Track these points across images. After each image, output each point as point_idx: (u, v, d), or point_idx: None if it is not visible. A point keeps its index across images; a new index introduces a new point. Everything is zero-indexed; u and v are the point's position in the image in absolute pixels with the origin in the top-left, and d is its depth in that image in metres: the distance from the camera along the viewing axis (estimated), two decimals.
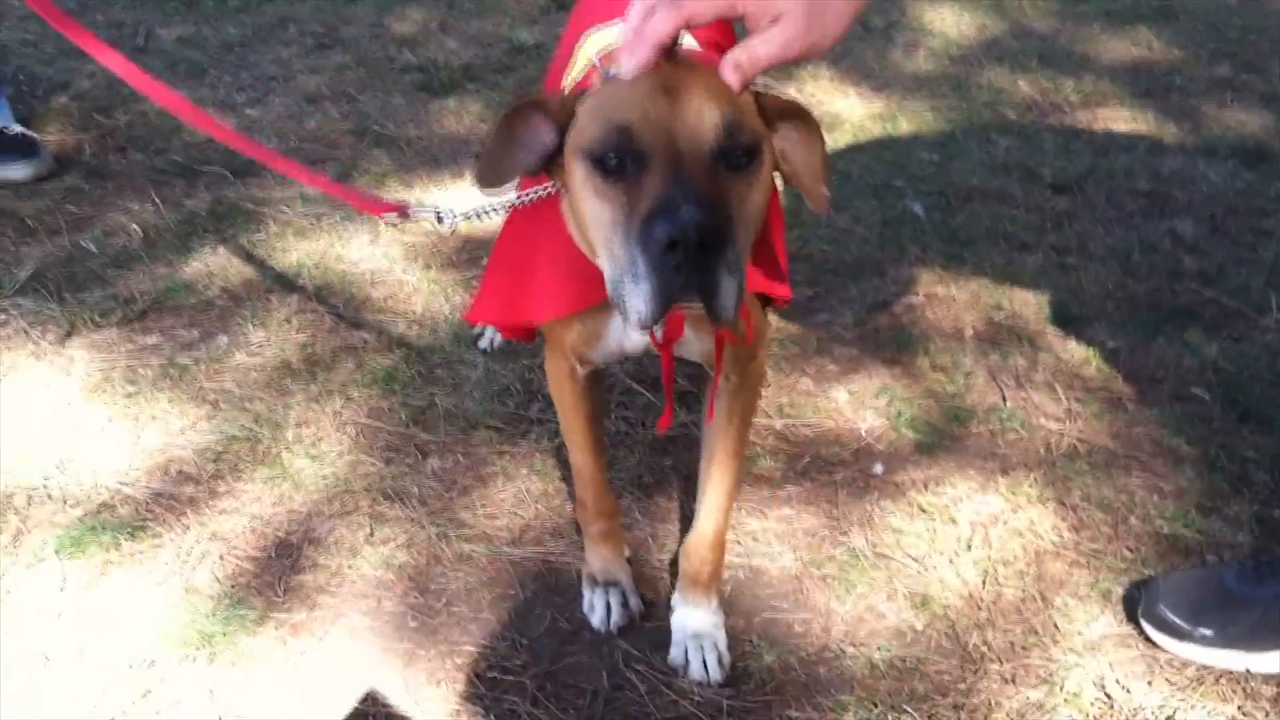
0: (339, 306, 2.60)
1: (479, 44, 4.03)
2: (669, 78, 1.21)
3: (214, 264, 2.74)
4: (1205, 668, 1.79)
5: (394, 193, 3.08)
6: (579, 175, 1.24)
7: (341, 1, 4.35)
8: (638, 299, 1.15)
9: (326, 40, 4.03)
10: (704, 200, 1.12)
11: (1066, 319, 2.59)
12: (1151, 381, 2.39)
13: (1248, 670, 1.77)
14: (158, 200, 2.99)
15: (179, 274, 2.71)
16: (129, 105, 3.47)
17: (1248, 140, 3.41)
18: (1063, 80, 3.80)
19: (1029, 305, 2.64)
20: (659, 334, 1.45)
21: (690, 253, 1.10)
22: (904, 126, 3.51)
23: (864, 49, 4.03)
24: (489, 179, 1.33)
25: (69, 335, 2.48)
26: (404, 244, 2.84)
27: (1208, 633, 1.77)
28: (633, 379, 2.38)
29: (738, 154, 1.20)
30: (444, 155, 3.29)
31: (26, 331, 2.48)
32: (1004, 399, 2.34)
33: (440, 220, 1.66)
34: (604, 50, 1.48)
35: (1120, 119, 3.56)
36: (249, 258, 2.77)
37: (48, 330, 2.49)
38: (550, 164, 1.33)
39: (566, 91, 1.50)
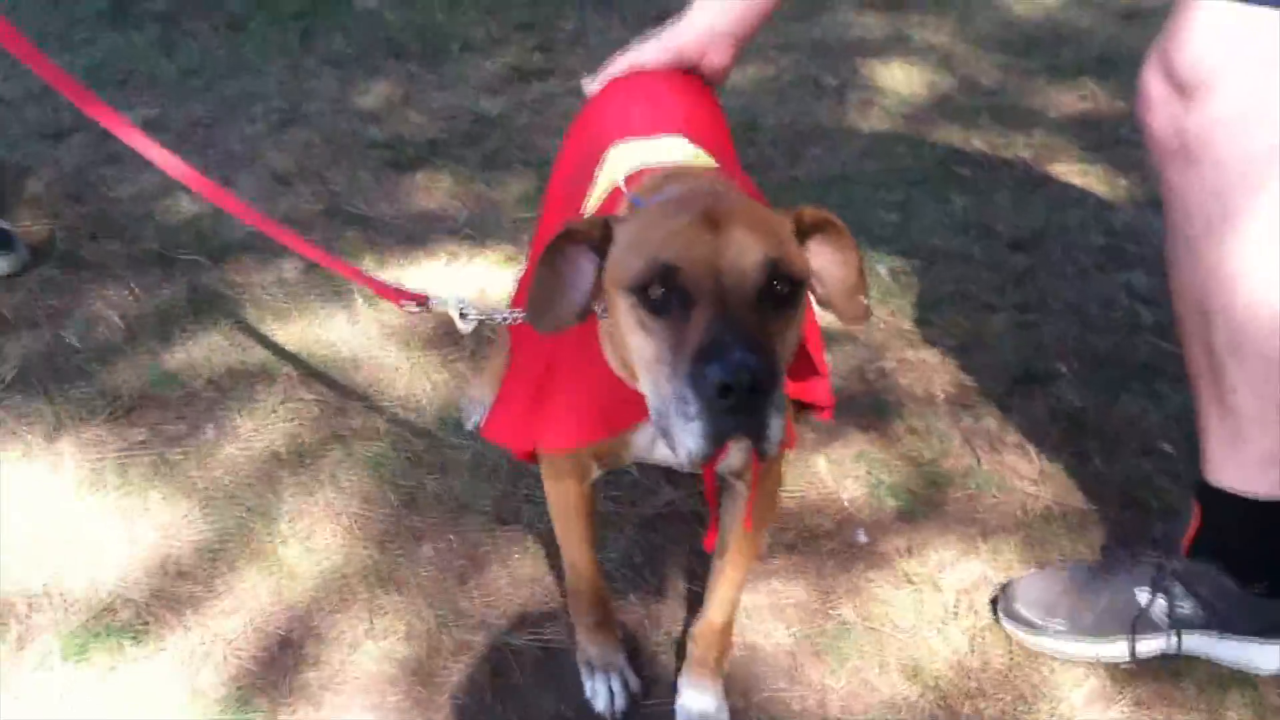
0: (323, 392, 2.63)
1: (443, 116, 4.07)
2: (710, 210, 1.24)
3: (196, 353, 2.77)
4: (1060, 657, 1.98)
5: (370, 272, 3.12)
6: (622, 308, 1.27)
7: (303, 76, 4.38)
8: (689, 437, 1.19)
9: (291, 116, 4.06)
10: (753, 343, 1.16)
11: (1033, 377, 2.67)
12: (1118, 438, 2.47)
13: (1097, 657, 1.95)
14: (135, 288, 3.02)
15: (162, 365, 2.73)
16: (99, 191, 3.49)
17: None
18: (1013, 136, 3.90)
19: (996, 365, 2.71)
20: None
21: (742, 396, 1.13)
22: (862, 187, 3.59)
23: (818, 108, 4.12)
24: (545, 324, 1.34)
25: (57, 432, 2.50)
26: (381, 324, 2.88)
27: (1060, 626, 1.95)
28: None
29: (780, 290, 1.24)
30: (417, 232, 3.33)
31: (15, 431, 2.50)
32: (979, 462, 2.42)
33: (463, 316, 1.69)
34: (631, 172, 1.52)
35: (1071, 172, 3.66)
36: (230, 345, 2.80)
37: (35, 428, 2.51)
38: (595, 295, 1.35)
39: (591, 214, 1.53)
